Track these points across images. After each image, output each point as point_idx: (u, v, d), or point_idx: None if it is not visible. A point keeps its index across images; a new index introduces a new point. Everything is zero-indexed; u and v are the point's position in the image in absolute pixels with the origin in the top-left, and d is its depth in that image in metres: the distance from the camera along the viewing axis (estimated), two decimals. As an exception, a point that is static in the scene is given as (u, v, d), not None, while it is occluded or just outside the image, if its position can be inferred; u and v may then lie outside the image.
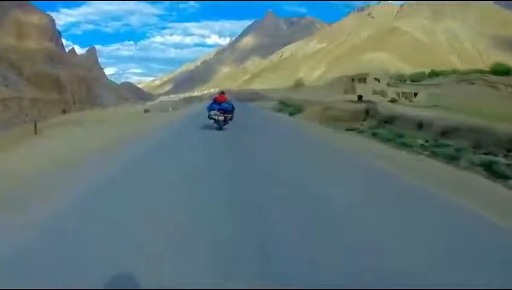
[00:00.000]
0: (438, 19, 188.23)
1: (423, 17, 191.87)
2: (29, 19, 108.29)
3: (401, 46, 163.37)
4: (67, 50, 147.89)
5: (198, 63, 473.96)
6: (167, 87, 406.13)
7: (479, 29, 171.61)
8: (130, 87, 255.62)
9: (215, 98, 19.68)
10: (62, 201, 5.98)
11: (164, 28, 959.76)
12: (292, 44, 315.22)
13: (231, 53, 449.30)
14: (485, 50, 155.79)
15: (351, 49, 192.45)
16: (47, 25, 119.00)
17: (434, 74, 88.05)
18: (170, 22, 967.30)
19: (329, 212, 5.89)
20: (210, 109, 19.01)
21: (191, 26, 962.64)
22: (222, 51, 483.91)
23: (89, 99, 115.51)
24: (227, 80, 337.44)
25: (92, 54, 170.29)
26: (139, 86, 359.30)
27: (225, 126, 18.82)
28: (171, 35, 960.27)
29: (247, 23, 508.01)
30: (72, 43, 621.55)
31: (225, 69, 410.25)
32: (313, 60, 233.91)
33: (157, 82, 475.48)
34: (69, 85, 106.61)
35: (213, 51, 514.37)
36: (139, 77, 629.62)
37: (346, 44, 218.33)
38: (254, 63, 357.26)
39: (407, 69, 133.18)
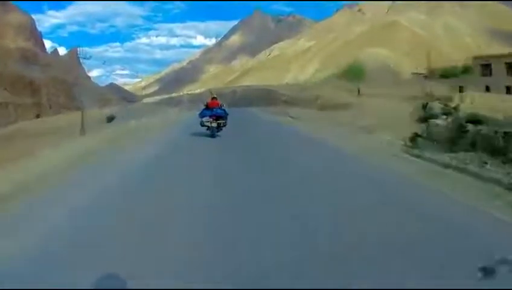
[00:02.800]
0: (435, 13, 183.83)
1: (419, 12, 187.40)
2: (6, 18, 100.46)
3: (399, 41, 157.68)
4: (50, 52, 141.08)
5: (185, 64, 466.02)
6: (153, 89, 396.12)
7: (479, 24, 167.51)
8: (115, 89, 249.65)
9: (207, 104, 18.62)
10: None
11: (150, 29, 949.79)
12: (281, 42, 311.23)
13: (218, 52, 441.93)
14: (485, 45, 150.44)
15: (344, 46, 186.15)
16: (26, 25, 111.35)
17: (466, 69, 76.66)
18: (155, 22, 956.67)
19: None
20: (202, 115, 18.10)
21: (177, 27, 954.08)
22: (209, 50, 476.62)
23: (67, 102, 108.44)
24: (214, 79, 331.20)
25: (73, 55, 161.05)
26: (125, 87, 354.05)
27: (218, 133, 17.90)
28: (156, 36, 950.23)
29: (233, 23, 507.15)
30: (57, 45, 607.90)
31: (212, 69, 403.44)
32: (303, 58, 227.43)
33: (143, 83, 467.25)
34: (45, 88, 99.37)
35: (199, 51, 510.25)
36: (126, 79, 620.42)
37: (338, 41, 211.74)
38: (242, 62, 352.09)
39: (408, 65, 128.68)
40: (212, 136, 17.43)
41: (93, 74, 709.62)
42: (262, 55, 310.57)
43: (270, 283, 3.63)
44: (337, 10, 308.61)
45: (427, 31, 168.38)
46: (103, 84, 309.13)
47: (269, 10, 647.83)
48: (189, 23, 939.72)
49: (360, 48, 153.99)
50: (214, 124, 17.66)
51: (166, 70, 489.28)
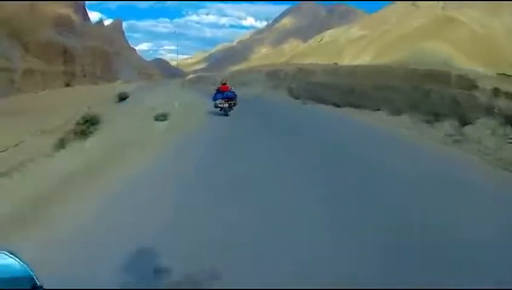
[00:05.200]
0: (494, 12, 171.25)
1: (477, 9, 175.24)
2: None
3: (458, 37, 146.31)
4: (95, 23, 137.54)
5: (235, 43, 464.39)
6: (201, 66, 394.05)
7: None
8: (160, 64, 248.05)
9: (219, 88, 21.32)
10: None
11: (200, 7, 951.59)
12: (332, 29, 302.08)
13: (268, 35, 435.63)
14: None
15: (400, 38, 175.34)
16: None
17: None
18: (206, 0, 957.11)
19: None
20: (215, 98, 21.02)
21: (227, 7, 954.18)
22: (259, 32, 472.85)
23: (105, 74, 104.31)
24: (263, 60, 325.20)
25: (117, 26, 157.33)
26: (172, 63, 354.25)
27: (230, 112, 20.58)
28: (206, 14, 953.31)
29: (283, 7, 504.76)
30: (106, 17, 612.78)
31: (262, 50, 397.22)
32: (356, 46, 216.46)
33: (191, 60, 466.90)
34: (80, 57, 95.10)
35: (249, 32, 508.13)
36: (173, 54, 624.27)
37: (392, 33, 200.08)
38: (292, 46, 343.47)
39: (466, 63, 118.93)
40: (226, 114, 20.38)
41: (141, 47, 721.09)
42: (313, 41, 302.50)
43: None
44: (390, 3, 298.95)
45: (487, 30, 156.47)
46: (150, 59, 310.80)
47: None
48: (240, 4, 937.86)
49: (417, 42, 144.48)
50: (226, 105, 20.47)
51: (215, 49, 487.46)
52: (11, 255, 1.67)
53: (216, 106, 20.75)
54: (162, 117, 18.16)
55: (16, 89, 65.76)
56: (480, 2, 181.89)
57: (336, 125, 19.00)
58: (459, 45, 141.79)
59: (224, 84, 21.64)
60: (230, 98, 20.59)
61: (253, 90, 40.24)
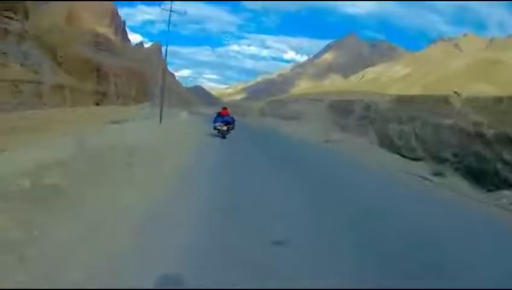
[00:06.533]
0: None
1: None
2: (87, 2, 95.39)
3: (503, 79, 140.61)
4: (135, 44, 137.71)
5: (275, 76, 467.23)
6: (239, 96, 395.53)
7: None
8: (199, 91, 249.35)
9: (219, 113, 23.65)
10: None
11: (242, 37, 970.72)
12: (375, 66, 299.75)
13: (309, 69, 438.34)
14: None
15: (444, 78, 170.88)
16: (107, 11, 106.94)
17: None
18: (248, 32, 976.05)
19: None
20: (215, 121, 23.04)
21: (269, 39, 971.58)
22: (300, 66, 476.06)
23: (140, 96, 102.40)
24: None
25: (156, 49, 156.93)
26: (211, 92, 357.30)
27: (227, 135, 22.52)
28: (248, 45, 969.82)
29: (324, 43, 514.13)
30: (147, 40, 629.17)
31: (302, 84, 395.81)
32: (400, 85, 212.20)
33: (230, 90, 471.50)
34: (115, 77, 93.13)
35: (290, 65, 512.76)
36: (213, 83, 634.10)
37: (437, 72, 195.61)
38: (333, 81, 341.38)
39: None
40: (223, 137, 22.40)
41: (182, 73, 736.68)
42: (354, 77, 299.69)
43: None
44: (431, 43, 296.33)
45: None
46: (189, 85, 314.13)
47: (361, 35, 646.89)
48: (282, 37, 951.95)
49: (461, 83, 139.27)
50: (224, 128, 22.66)
51: (255, 80, 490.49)
52: None
53: (215, 128, 22.84)
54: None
55: (43, 104, 63.33)
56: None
57: None
58: (503, 87, 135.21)
59: (225, 108, 24.70)
60: (229, 123, 22.96)
61: (305, 132, 30.55)
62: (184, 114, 48.64)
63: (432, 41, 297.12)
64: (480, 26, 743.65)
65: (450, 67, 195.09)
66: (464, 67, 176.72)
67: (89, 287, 3.60)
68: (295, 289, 3.57)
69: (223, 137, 22.21)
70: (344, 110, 30.44)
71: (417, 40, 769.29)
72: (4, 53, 61.70)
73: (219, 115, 23.37)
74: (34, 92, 63.16)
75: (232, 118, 23.56)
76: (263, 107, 55.66)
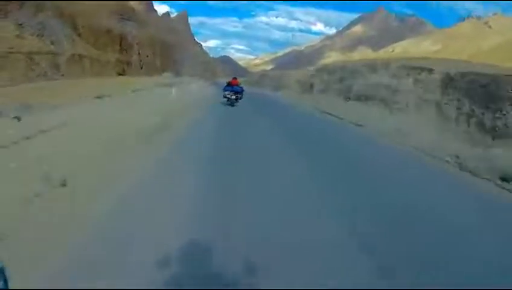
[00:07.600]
0: None
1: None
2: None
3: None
4: (161, 14, 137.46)
5: (303, 47, 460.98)
6: (267, 67, 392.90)
7: None
8: (227, 62, 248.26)
9: (229, 82, 24.20)
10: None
11: (270, 8, 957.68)
12: (404, 41, 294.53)
13: (338, 41, 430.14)
14: None
15: (475, 56, 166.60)
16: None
17: None
18: (276, 3, 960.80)
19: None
20: (224, 90, 23.73)
21: (297, 11, 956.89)
22: (329, 38, 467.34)
23: (165, 65, 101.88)
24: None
25: (182, 18, 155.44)
26: (239, 62, 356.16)
27: (236, 103, 23.12)
28: (276, 17, 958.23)
29: (353, 16, 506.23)
30: (174, 11, 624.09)
31: (331, 56, 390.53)
32: (429, 61, 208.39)
33: (258, 61, 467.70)
34: (139, 46, 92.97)
35: (318, 38, 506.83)
36: (241, 54, 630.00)
37: (468, 50, 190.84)
38: (362, 54, 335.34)
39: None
40: (232, 105, 22.94)
41: (209, 44, 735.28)
42: (384, 51, 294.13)
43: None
44: (460, 20, 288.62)
45: None
46: (217, 56, 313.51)
47: (390, 8, 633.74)
48: (311, 9, 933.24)
49: (493, 62, 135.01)
50: (233, 97, 23.20)
51: (283, 51, 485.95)
52: None
53: (224, 96, 23.46)
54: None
55: (61, 75, 63.17)
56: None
57: None
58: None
59: (234, 78, 25.03)
60: (237, 92, 23.50)
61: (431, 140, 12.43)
62: (193, 86, 41.97)
63: (461, 18, 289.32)
64: (509, 6, 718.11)
65: (482, 45, 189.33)
66: (497, 46, 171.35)
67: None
68: (295, 289, 3.45)
69: (231, 105, 22.78)
70: (487, 94, 13.32)
71: (445, 17, 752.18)
72: (20, 24, 61.72)
73: (229, 84, 23.95)
74: (51, 64, 62.86)
75: (241, 87, 24.17)
76: (307, 78, 40.60)
